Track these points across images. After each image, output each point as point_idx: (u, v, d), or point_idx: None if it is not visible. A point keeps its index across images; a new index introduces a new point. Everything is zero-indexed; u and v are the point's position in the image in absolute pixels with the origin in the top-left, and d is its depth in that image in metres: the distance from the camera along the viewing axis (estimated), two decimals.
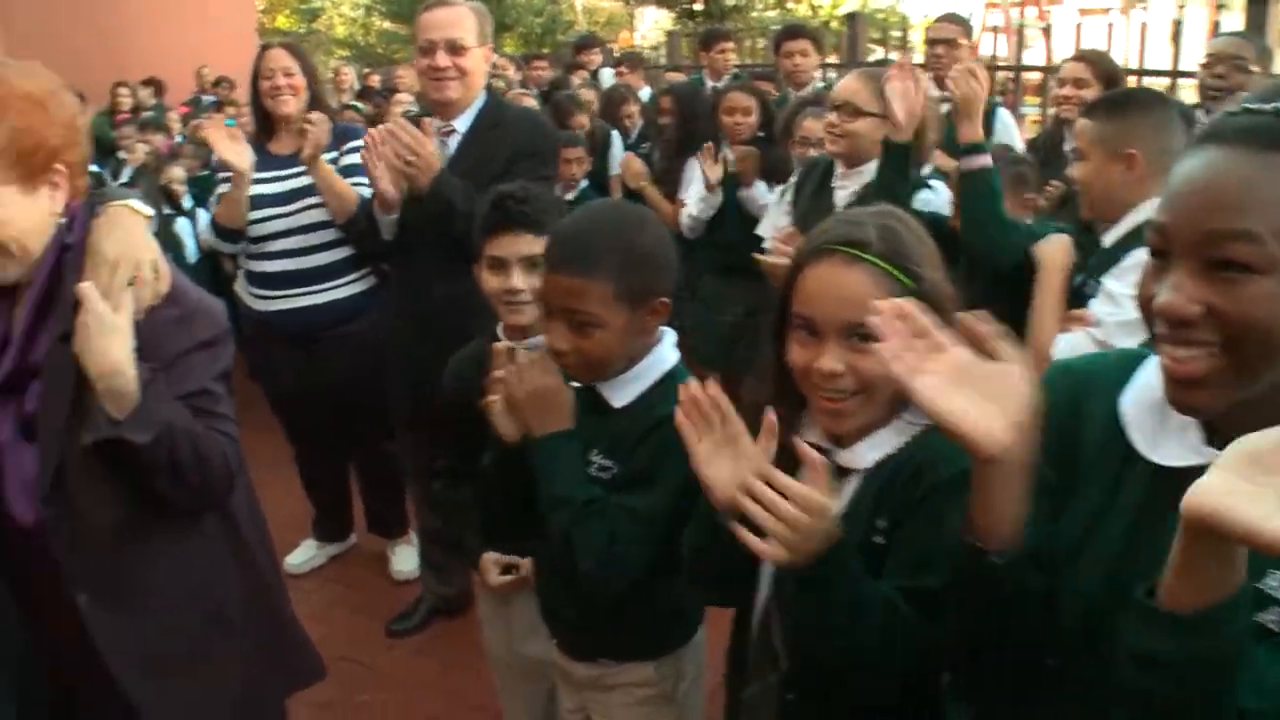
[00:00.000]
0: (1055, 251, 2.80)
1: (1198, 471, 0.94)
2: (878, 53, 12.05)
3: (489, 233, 2.42)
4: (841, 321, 1.49)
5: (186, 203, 5.97)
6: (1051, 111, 5.49)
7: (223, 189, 3.91)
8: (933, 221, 2.45)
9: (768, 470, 1.36)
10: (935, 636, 1.35)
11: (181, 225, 5.88)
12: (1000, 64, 10.77)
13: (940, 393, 1.16)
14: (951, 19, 5.22)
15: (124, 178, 5.69)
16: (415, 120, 3.24)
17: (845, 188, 3.38)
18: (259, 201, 3.78)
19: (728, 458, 1.49)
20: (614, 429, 1.96)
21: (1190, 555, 0.95)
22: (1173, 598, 0.98)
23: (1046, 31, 14.39)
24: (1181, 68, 7.43)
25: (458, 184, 3.07)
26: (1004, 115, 5.01)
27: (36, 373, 1.86)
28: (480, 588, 2.67)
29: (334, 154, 3.81)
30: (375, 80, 10.09)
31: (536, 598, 2.29)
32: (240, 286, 4.01)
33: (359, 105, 7.18)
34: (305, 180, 3.73)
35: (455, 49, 3.21)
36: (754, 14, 23.89)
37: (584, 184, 4.98)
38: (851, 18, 10.60)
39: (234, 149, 3.64)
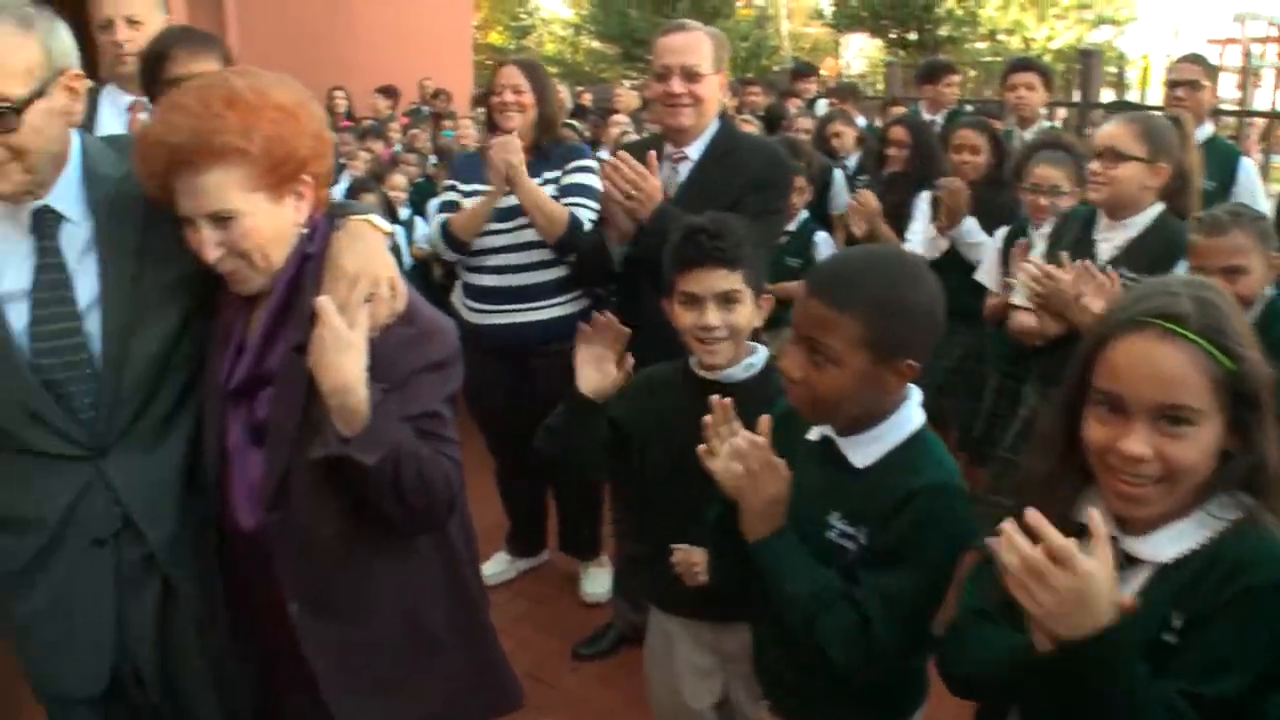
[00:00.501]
0: None
1: None
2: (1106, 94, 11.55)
3: (681, 267, 2.34)
4: (1153, 402, 1.37)
5: (403, 212, 6.10)
6: None
7: (446, 197, 3.95)
8: None
9: (1039, 522, 1.30)
10: None
11: (398, 234, 6.00)
12: (1232, 108, 10.13)
13: None
14: (1193, 59, 4.90)
15: (342, 184, 5.87)
16: (640, 150, 3.17)
17: (1109, 240, 3.18)
18: None
19: None
20: (858, 491, 1.83)
21: None
22: None
23: None
24: None
25: (679, 217, 2.99)
26: (1247, 166, 4.62)
27: (269, 380, 1.88)
28: (650, 635, 2.63)
29: (557, 173, 3.79)
30: (588, 99, 10.20)
31: (699, 649, 2.22)
32: (456, 297, 4.03)
33: (574, 124, 7.23)
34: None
35: (691, 75, 3.14)
36: (966, 45, 23.40)
37: (804, 214, 4.83)
38: (1086, 54, 10.10)
39: (521, 157, 3.60)
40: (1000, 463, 3.57)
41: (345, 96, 10.18)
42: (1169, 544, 1.41)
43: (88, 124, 3.14)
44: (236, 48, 9.96)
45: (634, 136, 6.55)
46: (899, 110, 7.06)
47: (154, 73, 2.89)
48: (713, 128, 3.24)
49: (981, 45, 24.05)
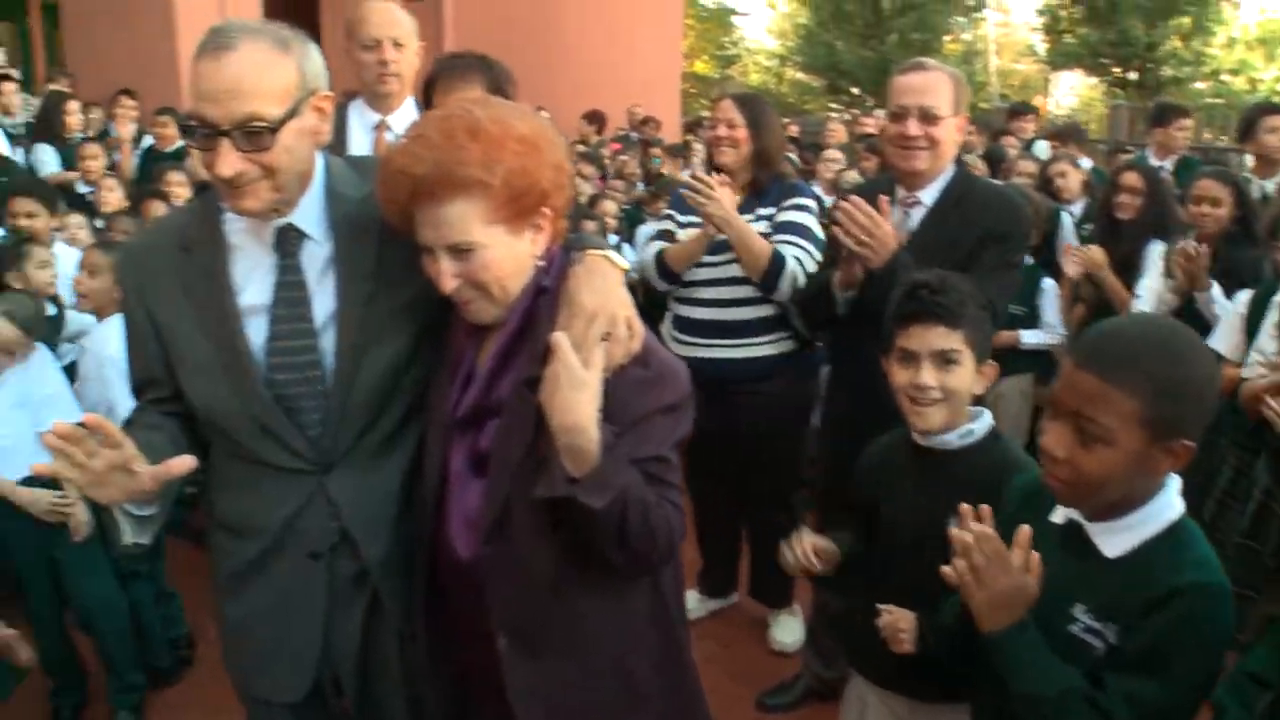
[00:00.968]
0: None
1: None
2: None
3: (900, 322, 2.26)
4: None
5: (611, 239, 6.15)
6: None
7: (663, 226, 3.97)
8: None
9: None
10: None
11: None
12: None
13: None
14: None
15: None
16: (871, 193, 3.08)
17: None
18: None
19: None
20: (1108, 584, 1.70)
21: None
22: None
23: None
24: None
25: (912, 267, 2.88)
26: None
27: (497, 412, 1.87)
28: (846, 699, 2.55)
29: (771, 210, 3.74)
30: (795, 129, 10.11)
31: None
32: (666, 328, 4.02)
33: (791, 157, 7.17)
34: None
35: (928, 117, 3.02)
36: (1190, 87, 22.33)
37: (1028, 261, 4.62)
38: None
39: (717, 199, 3.60)
40: (1240, 550, 3.31)
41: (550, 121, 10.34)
42: None
43: (338, 137, 3.26)
44: None
45: (850, 174, 6.44)
46: (1128, 155, 6.72)
47: (427, 97, 2.96)
48: (948, 173, 3.12)
49: (1202, 86, 22.90)
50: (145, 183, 6.61)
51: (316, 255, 1.96)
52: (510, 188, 1.74)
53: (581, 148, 9.09)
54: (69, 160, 6.85)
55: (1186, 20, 23.44)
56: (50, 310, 4.07)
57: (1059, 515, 1.80)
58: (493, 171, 1.71)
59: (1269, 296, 3.53)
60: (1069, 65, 26.82)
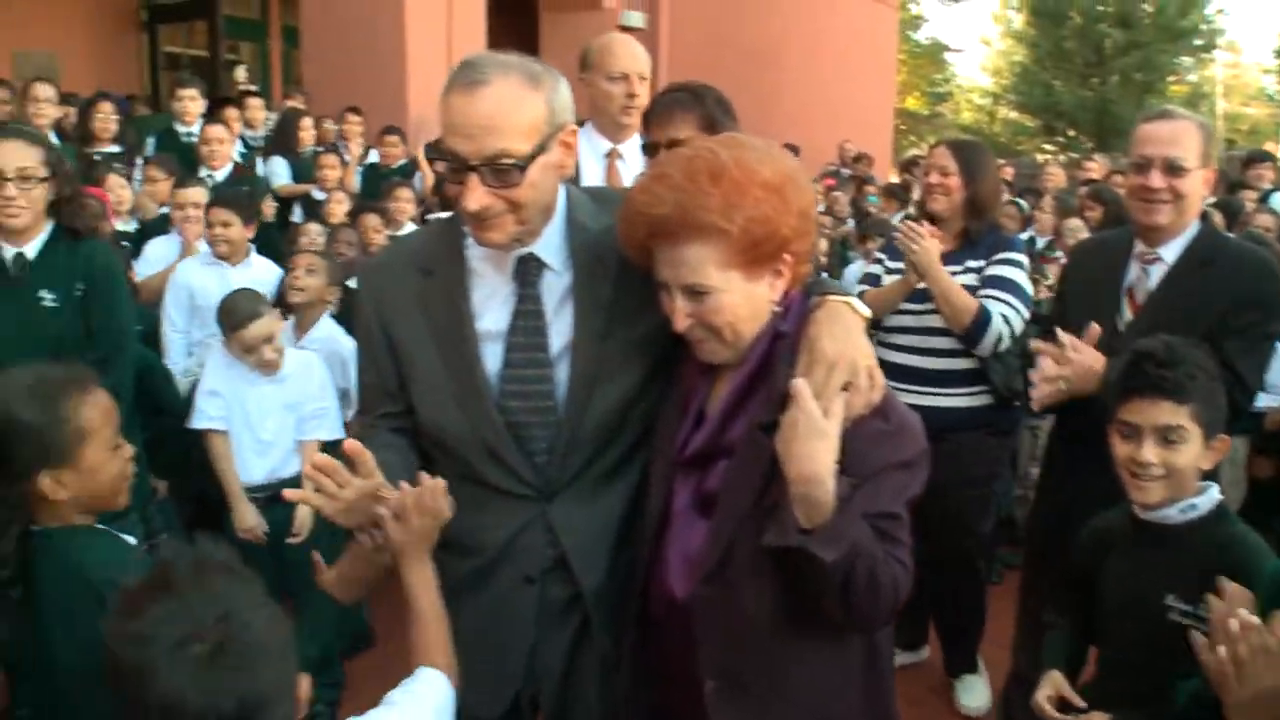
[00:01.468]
0: None
1: None
2: None
3: (1123, 395, 2.17)
4: None
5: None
6: None
7: (871, 269, 3.93)
8: None
9: None
10: None
11: None
12: None
13: None
14: None
15: None
16: (1104, 250, 2.92)
17: None
18: None
19: None
20: None
21: None
22: None
23: None
24: None
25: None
26: None
27: (727, 453, 1.84)
28: None
29: (981, 262, 3.64)
30: (1009, 173, 9.81)
31: None
32: None
33: (1020, 201, 6.93)
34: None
35: (1174, 169, 2.83)
36: None
37: None
38: None
39: (925, 247, 3.53)
40: None
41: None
42: None
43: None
44: None
45: (1074, 222, 6.18)
46: None
47: (645, 128, 2.98)
48: (1192, 229, 2.93)
49: None
50: (367, 197, 6.92)
51: (555, 286, 1.97)
52: (749, 235, 1.71)
53: None
54: (299, 172, 7.22)
55: None
56: None
57: None
58: (731, 219, 1.69)
59: None
60: None
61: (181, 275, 4.63)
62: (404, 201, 6.47)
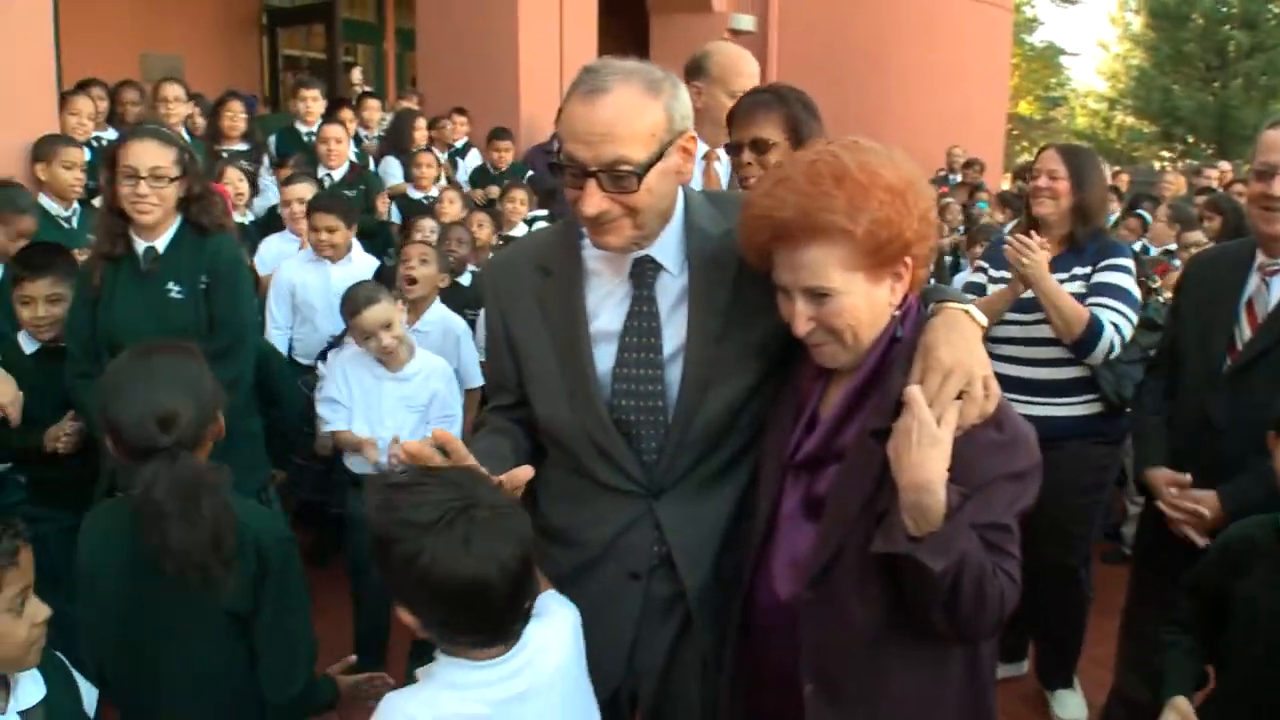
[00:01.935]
0: None
1: None
2: None
3: None
4: None
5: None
6: None
7: (974, 278, 3.92)
8: None
9: None
10: None
11: None
12: None
13: None
14: None
15: None
16: (1223, 262, 2.84)
17: None
18: None
19: None
20: None
21: None
22: None
23: None
24: None
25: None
26: None
27: (838, 458, 1.85)
28: None
29: (1088, 269, 3.59)
30: (1124, 180, 9.57)
31: None
32: None
33: (1144, 213, 6.76)
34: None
35: None
36: None
37: None
38: None
39: (1037, 260, 3.49)
40: None
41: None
42: None
43: None
44: None
45: (1194, 234, 6.02)
46: None
47: (730, 128, 3.01)
48: None
49: None
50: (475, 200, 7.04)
51: (670, 288, 2.00)
52: (873, 237, 1.71)
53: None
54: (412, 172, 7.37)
55: None
56: None
57: None
58: (856, 221, 1.69)
59: None
60: None
61: (284, 272, 4.83)
62: (518, 203, 6.57)
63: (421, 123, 7.98)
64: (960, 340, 1.74)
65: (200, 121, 6.82)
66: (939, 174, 10.94)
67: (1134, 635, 3.28)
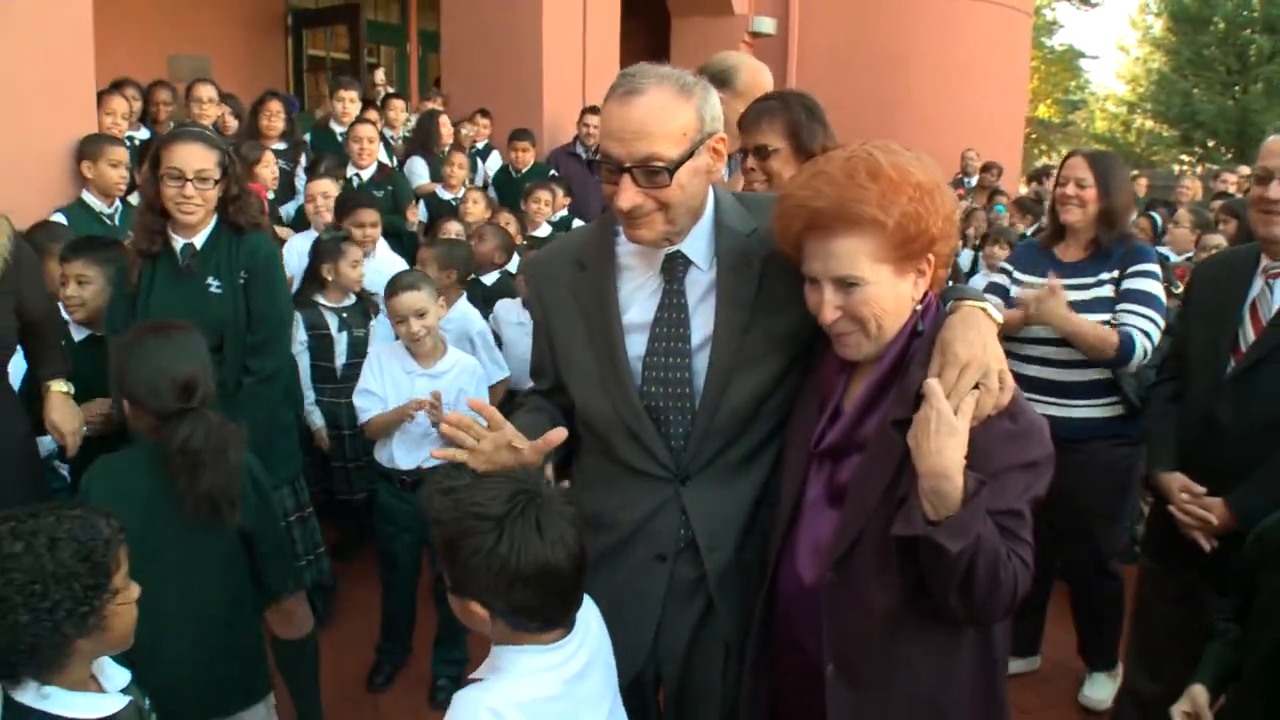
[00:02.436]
0: None
1: None
2: None
3: None
4: None
5: None
6: None
7: (995, 278, 3.98)
8: None
9: None
10: None
11: None
12: None
13: None
14: None
15: None
16: (1229, 266, 2.91)
17: None
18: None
19: None
20: None
21: None
22: None
23: None
24: None
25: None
26: None
27: (860, 447, 1.94)
28: None
29: (1115, 273, 3.66)
30: (1143, 184, 9.61)
31: None
32: None
33: (1156, 216, 6.81)
34: (1075, 295, 3.64)
35: None
36: None
37: None
38: None
39: (1059, 301, 3.57)
40: None
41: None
42: None
43: None
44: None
45: (1215, 238, 6.07)
46: None
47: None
48: None
49: None
50: (498, 199, 7.12)
51: (699, 282, 2.10)
52: (902, 230, 1.81)
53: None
54: (438, 172, 7.47)
55: None
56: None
57: None
58: (888, 213, 1.79)
59: None
60: None
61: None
62: (542, 203, 6.66)
63: (447, 122, 8.10)
64: (977, 336, 1.83)
65: (231, 122, 6.94)
66: (955, 177, 10.98)
67: (1141, 631, 3.35)
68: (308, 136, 7.27)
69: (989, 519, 1.74)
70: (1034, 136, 27.08)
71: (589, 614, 1.95)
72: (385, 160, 6.97)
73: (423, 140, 7.81)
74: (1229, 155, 25.60)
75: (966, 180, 10.56)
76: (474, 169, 8.33)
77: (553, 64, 9.36)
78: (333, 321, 4.64)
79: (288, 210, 6.34)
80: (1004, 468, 1.79)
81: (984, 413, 1.78)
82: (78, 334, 3.70)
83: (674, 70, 1.98)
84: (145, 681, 2.13)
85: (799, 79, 13.15)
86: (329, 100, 7.56)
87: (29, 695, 1.79)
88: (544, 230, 6.69)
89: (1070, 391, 3.70)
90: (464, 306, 4.72)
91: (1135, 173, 11.26)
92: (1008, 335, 3.78)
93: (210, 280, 3.42)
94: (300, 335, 4.52)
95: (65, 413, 3.22)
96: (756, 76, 3.57)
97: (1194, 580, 2.97)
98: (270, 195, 6.02)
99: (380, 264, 5.07)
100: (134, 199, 4.97)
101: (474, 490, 1.79)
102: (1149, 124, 30.02)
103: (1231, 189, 8.80)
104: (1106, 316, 3.60)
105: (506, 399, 4.60)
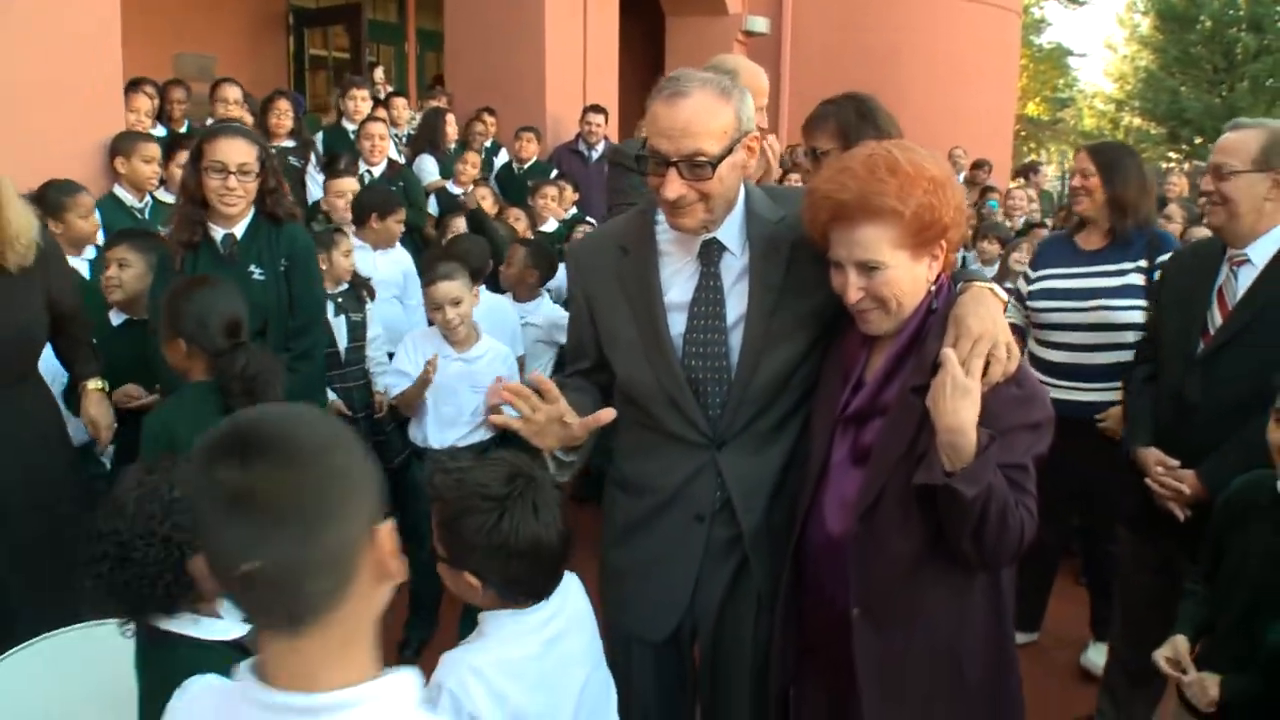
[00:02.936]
0: None
1: None
2: None
3: None
4: None
5: None
6: None
7: (979, 270, 4.11)
8: None
9: None
10: None
11: None
12: None
13: None
14: None
15: None
16: (1198, 258, 3.11)
17: None
18: (1052, 292, 3.94)
19: None
20: None
21: None
22: None
23: None
24: None
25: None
26: None
27: (882, 412, 2.16)
28: None
29: (1143, 262, 3.78)
30: None
31: None
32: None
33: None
34: (1102, 282, 3.81)
35: (1219, 173, 3.04)
36: None
37: None
38: None
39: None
40: None
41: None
42: None
43: None
44: (787, 106, 10.79)
45: (1200, 230, 6.29)
46: None
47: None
48: None
49: None
50: (503, 195, 7.31)
51: (733, 266, 2.31)
52: (918, 219, 2.03)
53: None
54: (445, 169, 7.66)
55: None
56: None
57: None
58: (906, 204, 2.01)
59: None
60: None
61: None
62: (549, 199, 6.85)
63: (452, 120, 8.26)
64: (986, 311, 2.05)
65: (249, 120, 7.10)
66: None
67: (1124, 603, 3.56)
68: (319, 135, 7.44)
69: (998, 471, 1.96)
70: (1023, 134, 27.32)
71: (570, 584, 2.13)
72: (395, 157, 7.15)
73: (430, 138, 7.96)
74: None
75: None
76: (488, 166, 8.51)
77: (555, 63, 9.57)
78: (329, 308, 4.78)
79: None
80: (1011, 427, 2.01)
81: (993, 379, 2.00)
82: (115, 318, 3.94)
83: (714, 75, 2.19)
84: None
85: (792, 77, 13.35)
86: (342, 99, 7.71)
87: (182, 623, 1.93)
88: (551, 225, 6.87)
89: (1096, 375, 3.84)
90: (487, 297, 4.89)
91: None
92: (1036, 323, 4.00)
93: (253, 268, 3.59)
94: None
95: (102, 409, 3.47)
96: (756, 79, 3.75)
97: (1172, 551, 3.19)
98: None
99: (397, 257, 5.34)
100: (160, 194, 5.16)
101: (476, 471, 1.96)
102: (1137, 121, 30.29)
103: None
104: (1139, 302, 3.74)
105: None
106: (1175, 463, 3.07)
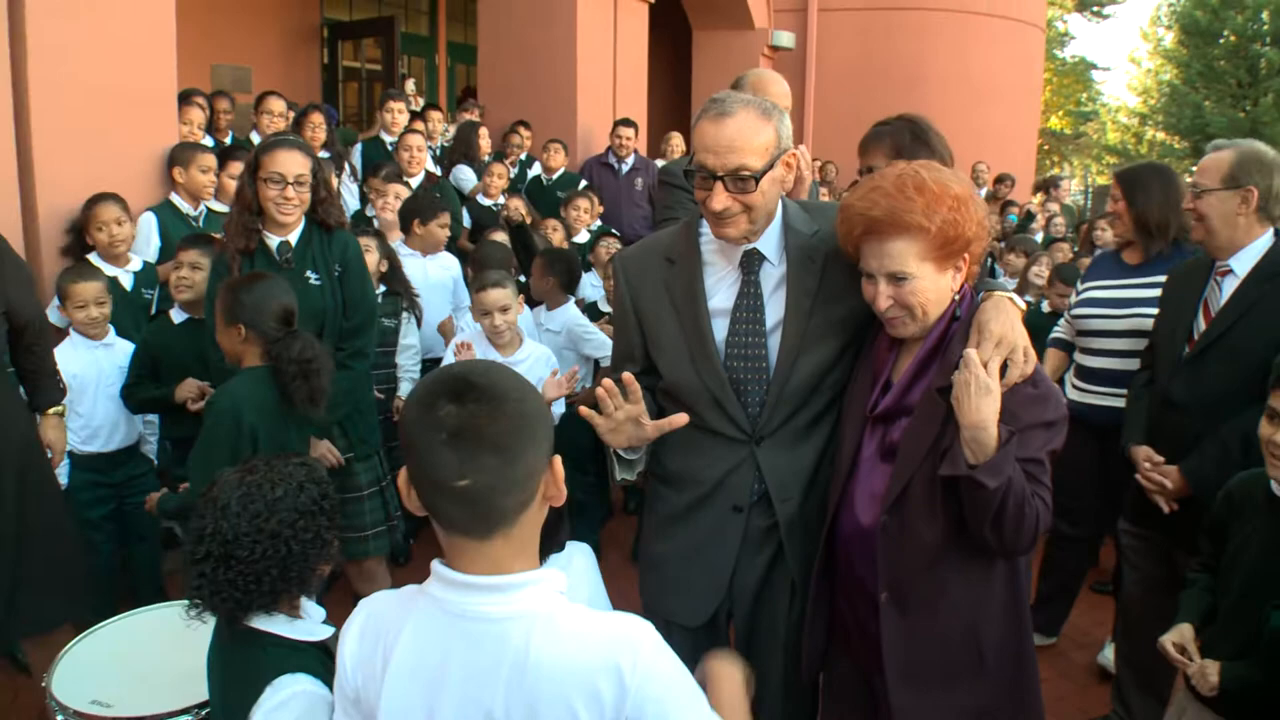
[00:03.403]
0: None
1: None
2: None
3: (1275, 384, 2.48)
4: None
5: None
6: None
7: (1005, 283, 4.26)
8: None
9: None
10: None
11: None
12: None
13: None
14: None
15: None
16: (1191, 272, 3.28)
17: None
18: (1094, 301, 4.11)
19: None
20: None
21: None
22: None
23: None
24: None
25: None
26: None
27: (908, 411, 2.34)
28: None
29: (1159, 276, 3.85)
30: None
31: None
32: (1068, 376, 4.33)
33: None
34: (1138, 292, 3.94)
35: (1195, 192, 3.25)
36: None
37: None
38: None
39: None
40: None
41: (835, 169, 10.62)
42: None
43: None
44: (812, 120, 10.84)
45: None
46: None
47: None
48: (1264, 242, 3.23)
49: None
50: (534, 207, 7.49)
51: (771, 274, 2.50)
52: (943, 234, 2.21)
53: None
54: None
55: None
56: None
57: None
58: (931, 220, 2.19)
59: None
60: None
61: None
62: (582, 211, 7.03)
63: (485, 133, 8.44)
64: (1007, 318, 2.23)
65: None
66: None
67: (1125, 596, 3.71)
68: (358, 147, 7.65)
69: (1017, 465, 2.14)
70: (1046, 148, 27.37)
71: (575, 551, 2.36)
72: (432, 169, 7.35)
73: (464, 150, 8.15)
74: None
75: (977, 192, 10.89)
76: (521, 179, 8.67)
77: (586, 77, 9.74)
78: None
79: None
80: (1028, 425, 2.18)
81: (1012, 380, 2.18)
82: (178, 316, 4.24)
83: (755, 96, 2.39)
84: None
85: (817, 92, 13.53)
86: (379, 112, 7.90)
87: (275, 623, 2.05)
88: (583, 237, 7.06)
89: (1124, 380, 3.87)
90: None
91: None
92: (1078, 331, 4.16)
93: (309, 273, 3.78)
94: None
95: (58, 433, 3.73)
96: (778, 87, 3.88)
97: (1170, 545, 3.36)
98: None
99: (444, 261, 5.59)
100: (213, 203, 5.36)
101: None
102: (1160, 136, 30.26)
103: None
104: None
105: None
106: (1161, 459, 3.27)
